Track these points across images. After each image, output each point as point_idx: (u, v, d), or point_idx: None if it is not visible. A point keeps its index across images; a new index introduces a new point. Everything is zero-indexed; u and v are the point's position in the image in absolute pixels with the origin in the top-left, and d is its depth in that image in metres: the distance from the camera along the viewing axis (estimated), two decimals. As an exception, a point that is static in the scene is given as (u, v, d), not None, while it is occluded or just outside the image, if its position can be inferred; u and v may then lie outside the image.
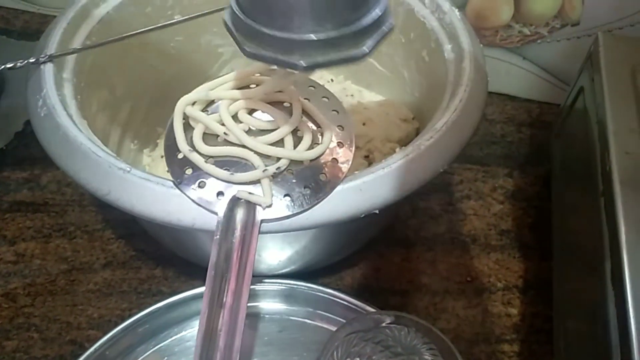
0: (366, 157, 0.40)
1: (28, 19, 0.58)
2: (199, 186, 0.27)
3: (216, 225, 0.26)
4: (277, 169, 0.27)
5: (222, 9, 0.39)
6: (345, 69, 0.48)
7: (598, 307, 0.30)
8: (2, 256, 0.40)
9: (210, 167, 0.27)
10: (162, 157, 0.43)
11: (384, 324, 0.32)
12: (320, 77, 0.47)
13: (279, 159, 0.28)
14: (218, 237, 0.26)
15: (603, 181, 0.31)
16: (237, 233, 0.26)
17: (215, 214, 0.26)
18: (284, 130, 0.28)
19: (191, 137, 0.29)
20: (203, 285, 0.35)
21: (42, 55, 0.32)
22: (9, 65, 0.31)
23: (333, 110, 0.31)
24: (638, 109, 0.34)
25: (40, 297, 0.38)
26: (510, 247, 0.42)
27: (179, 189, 0.27)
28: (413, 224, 0.43)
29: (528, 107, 0.52)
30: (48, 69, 0.32)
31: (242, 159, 0.28)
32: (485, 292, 0.39)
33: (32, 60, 0.32)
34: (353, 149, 0.29)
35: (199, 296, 0.35)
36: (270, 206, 0.27)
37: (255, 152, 0.27)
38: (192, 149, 0.28)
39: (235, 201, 0.27)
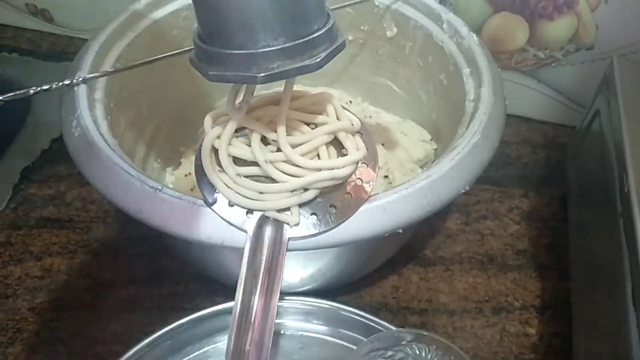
0: (385, 177, 0.40)
1: (54, 41, 0.60)
2: (229, 205, 0.28)
3: (245, 243, 0.27)
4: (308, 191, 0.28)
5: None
6: (363, 90, 0.49)
7: (619, 328, 0.30)
8: (29, 271, 0.41)
9: (233, 195, 0.28)
10: (185, 175, 0.44)
11: (404, 342, 0.33)
12: (339, 98, 0.48)
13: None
14: (247, 254, 0.27)
15: (622, 202, 0.32)
16: (266, 250, 0.27)
17: (245, 232, 0.27)
18: (319, 141, 0.28)
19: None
20: (224, 302, 0.36)
21: (76, 78, 0.33)
22: (45, 87, 0.32)
23: (357, 132, 0.31)
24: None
25: (65, 312, 0.39)
26: (527, 267, 0.42)
27: (210, 208, 0.27)
28: (431, 244, 0.44)
29: (543, 129, 0.53)
30: (81, 90, 0.33)
31: (269, 178, 0.28)
32: (503, 311, 0.40)
33: (66, 82, 0.33)
34: (377, 169, 0.29)
35: (221, 312, 0.36)
36: (297, 224, 0.27)
37: (283, 172, 0.28)
38: (221, 170, 0.29)
39: (264, 219, 0.28)
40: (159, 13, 0.41)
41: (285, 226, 0.28)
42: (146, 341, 0.34)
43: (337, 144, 0.29)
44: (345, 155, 0.29)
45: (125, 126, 0.38)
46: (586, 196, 0.41)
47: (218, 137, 0.28)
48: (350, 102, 0.49)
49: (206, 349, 0.36)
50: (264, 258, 0.27)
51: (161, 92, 0.43)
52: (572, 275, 0.40)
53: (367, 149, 0.30)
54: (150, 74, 0.40)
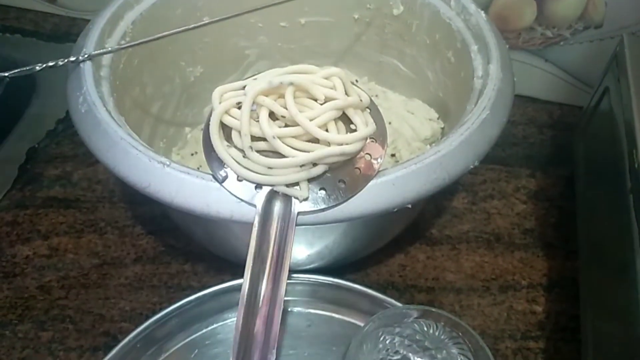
0: (392, 155, 0.40)
1: (57, 22, 0.60)
2: (238, 180, 0.27)
3: (255, 217, 0.27)
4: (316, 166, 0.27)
5: (249, 11, 0.40)
6: (370, 70, 0.49)
7: (628, 305, 0.30)
8: (37, 250, 0.41)
9: (242, 170, 0.28)
10: (191, 154, 0.44)
11: (411, 318, 0.33)
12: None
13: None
14: (257, 228, 0.27)
15: (631, 178, 0.31)
16: (275, 225, 0.27)
17: (254, 206, 0.27)
18: (328, 116, 0.28)
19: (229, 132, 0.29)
20: (232, 279, 0.36)
21: (82, 54, 0.33)
22: (50, 64, 0.32)
23: (366, 108, 0.31)
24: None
25: (73, 290, 0.39)
26: (534, 246, 0.42)
27: (218, 182, 0.27)
28: (438, 223, 0.43)
29: (549, 109, 0.53)
30: (87, 67, 0.33)
31: (277, 153, 0.28)
32: (509, 289, 0.40)
33: (72, 59, 0.33)
34: (386, 145, 0.29)
35: (229, 290, 0.36)
36: (306, 199, 0.27)
37: (292, 147, 0.28)
38: (229, 145, 0.28)
39: (272, 194, 0.27)
40: (164, -9, 0.40)
41: (294, 201, 0.28)
42: (154, 318, 0.35)
43: (345, 120, 0.29)
44: (354, 131, 0.29)
45: (130, 105, 0.38)
46: (594, 175, 0.41)
47: (226, 112, 0.28)
48: (357, 81, 0.48)
49: (214, 326, 0.36)
50: (273, 232, 0.27)
51: (165, 71, 0.42)
52: (579, 253, 0.40)
53: (375, 124, 0.30)
54: (154, 52, 0.40)
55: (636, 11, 0.46)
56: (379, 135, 0.30)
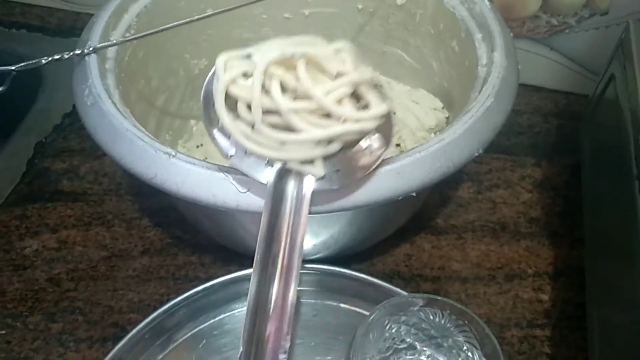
0: (397, 145, 0.40)
1: (62, 16, 0.60)
2: (246, 154, 0.26)
3: (266, 196, 0.26)
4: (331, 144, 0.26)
5: (252, 2, 0.40)
6: (374, 60, 0.49)
7: (634, 294, 0.30)
8: (46, 243, 0.41)
9: (252, 145, 0.26)
10: (197, 147, 0.44)
11: (417, 307, 0.33)
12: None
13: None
14: (268, 208, 0.26)
15: (637, 165, 0.31)
16: (288, 204, 0.26)
17: (264, 184, 0.26)
18: (343, 91, 0.26)
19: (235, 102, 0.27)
20: (239, 270, 0.36)
21: (87, 47, 0.33)
22: (56, 57, 0.32)
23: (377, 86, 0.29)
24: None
25: (82, 282, 0.39)
26: (540, 235, 0.42)
27: (227, 159, 0.27)
28: (443, 212, 0.44)
29: (555, 98, 0.53)
30: (92, 60, 0.33)
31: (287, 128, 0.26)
32: (515, 278, 0.40)
33: (77, 52, 0.33)
34: (393, 132, 0.29)
35: (237, 280, 0.36)
36: (323, 177, 0.26)
37: (306, 122, 0.26)
38: (237, 116, 0.26)
39: (284, 172, 0.26)
40: (168, -17, 0.40)
41: (307, 180, 0.26)
42: (162, 309, 0.35)
43: (354, 97, 0.27)
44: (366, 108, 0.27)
45: (135, 98, 0.38)
46: (600, 163, 0.41)
47: (233, 80, 0.26)
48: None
49: (222, 316, 0.37)
50: (285, 213, 0.26)
51: (170, 64, 0.43)
52: (585, 242, 0.40)
53: None
54: (159, 45, 0.40)
55: (642, -2, 0.45)
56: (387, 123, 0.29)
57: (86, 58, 0.33)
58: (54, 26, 0.59)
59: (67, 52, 0.33)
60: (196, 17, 0.38)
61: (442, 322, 0.33)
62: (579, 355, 0.36)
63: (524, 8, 0.49)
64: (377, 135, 0.27)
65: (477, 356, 0.31)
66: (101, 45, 0.34)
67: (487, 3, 0.38)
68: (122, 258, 0.41)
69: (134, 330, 0.34)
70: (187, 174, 0.28)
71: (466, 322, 0.32)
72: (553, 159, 0.48)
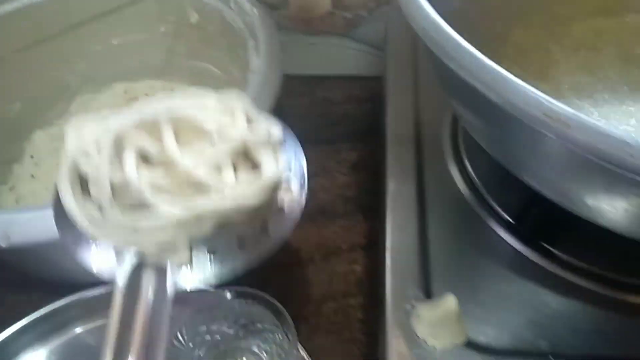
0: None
1: None
2: (96, 245, 0.22)
3: (115, 296, 0.21)
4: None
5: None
6: (187, 77, 0.51)
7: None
8: None
9: (96, 231, 0.21)
10: (32, 176, 0.43)
11: (227, 300, 0.36)
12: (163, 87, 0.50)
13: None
14: (117, 311, 0.21)
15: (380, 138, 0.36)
16: (143, 304, 0.21)
17: (115, 282, 0.21)
18: (220, 159, 0.21)
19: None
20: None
21: None
22: None
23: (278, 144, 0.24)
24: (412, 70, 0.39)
25: None
26: (355, 212, 0.46)
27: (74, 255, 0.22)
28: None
29: (367, 84, 0.57)
30: None
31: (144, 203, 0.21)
32: (332, 255, 0.44)
33: None
34: (305, 183, 0.25)
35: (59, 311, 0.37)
36: (189, 265, 0.22)
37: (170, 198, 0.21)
38: (86, 197, 0.22)
39: (141, 262, 0.22)
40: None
41: (169, 271, 0.22)
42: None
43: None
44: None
45: None
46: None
47: (86, 153, 0.21)
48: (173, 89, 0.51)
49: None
50: (140, 314, 0.21)
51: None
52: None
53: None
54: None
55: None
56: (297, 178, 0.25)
57: None
58: None
59: None
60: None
61: (251, 309, 0.36)
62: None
63: (317, 7, 0.53)
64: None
65: (280, 334, 0.35)
66: None
67: (256, 11, 0.41)
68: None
69: None
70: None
71: (267, 305, 0.35)
72: (366, 140, 0.52)
